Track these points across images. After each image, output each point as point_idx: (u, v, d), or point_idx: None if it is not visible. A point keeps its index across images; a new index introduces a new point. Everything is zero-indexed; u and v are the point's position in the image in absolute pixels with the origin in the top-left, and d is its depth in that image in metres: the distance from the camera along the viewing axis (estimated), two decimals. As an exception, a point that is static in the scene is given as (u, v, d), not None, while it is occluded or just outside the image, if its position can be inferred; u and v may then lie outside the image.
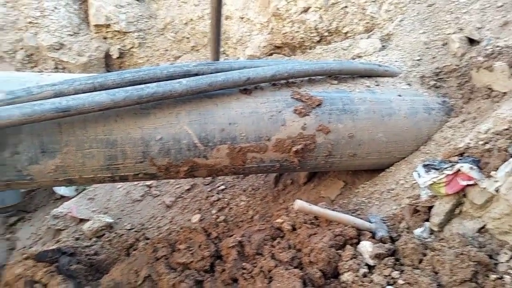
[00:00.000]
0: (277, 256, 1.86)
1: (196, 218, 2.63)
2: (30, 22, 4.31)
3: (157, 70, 1.77)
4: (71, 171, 1.71)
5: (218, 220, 2.56)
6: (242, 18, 3.89)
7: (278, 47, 3.75)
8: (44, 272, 2.02)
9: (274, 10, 3.50)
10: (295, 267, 1.78)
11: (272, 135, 1.95)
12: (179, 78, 1.77)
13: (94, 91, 1.60)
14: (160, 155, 1.80)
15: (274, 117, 1.94)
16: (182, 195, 2.84)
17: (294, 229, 1.97)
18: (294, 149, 1.99)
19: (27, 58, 4.43)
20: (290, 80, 2.06)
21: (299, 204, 1.89)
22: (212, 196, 2.80)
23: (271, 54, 3.75)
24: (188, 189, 2.87)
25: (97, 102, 1.54)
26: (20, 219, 3.45)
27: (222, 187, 2.87)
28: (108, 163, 1.73)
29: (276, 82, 2.03)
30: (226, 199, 2.78)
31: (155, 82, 1.72)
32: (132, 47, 4.53)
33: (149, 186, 2.94)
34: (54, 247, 2.34)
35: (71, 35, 4.39)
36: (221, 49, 3.36)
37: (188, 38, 4.56)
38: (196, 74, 1.82)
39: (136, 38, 4.48)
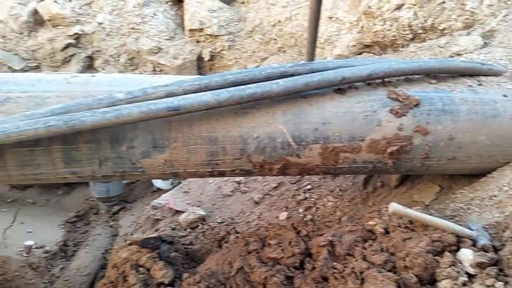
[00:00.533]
0: (369, 258, 1.83)
1: (283, 215, 2.69)
2: (132, 28, 4.72)
3: (256, 72, 1.85)
4: (177, 165, 1.86)
5: (305, 219, 2.59)
6: (331, 17, 3.88)
7: (368, 46, 3.68)
8: (147, 257, 2.22)
9: (365, 8, 3.43)
10: (388, 271, 1.75)
11: (366, 135, 1.93)
12: (276, 79, 1.83)
13: (200, 92, 1.72)
14: (256, 153, 1.88)
15: (369, 117, 1.92)
16: (270, 193, 2.92)
17: (387, 232, 1.93)
18: (389, 150, 1.95)
19: (129, 62, 4.87)
20: (386, 80, 2.02)
21: (394, 206, 1.84)
22: (299, 195, 2.84)
23: (360, 53, 3.68)
24: (275, 187, 2.94)
25: (204, 102, 1.66)
26: (122, 209, 3.81)
27: (309, 186, 2.90)
28: (209, 159, 1.85)
29: (372, 81, 2.00)
30: (312, 199, 2.80)
31: (254, 83, 1.80)
32: (222, 50, 4.75)
33: (239, 183, 3.06)
34: (155, 235, 2.55)
35: (168, 39, 4.73)
36: (310, 50, 3.39)
37: (275, 39, 4.66)
38: (292, 75, 1.87)
39: (226, 41, 4.68)
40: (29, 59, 4.84)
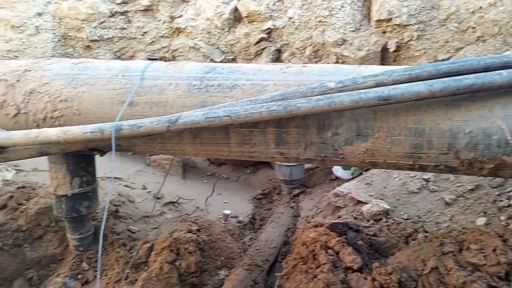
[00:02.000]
0: None
1: (481, 221, 2.44)
2: (319, 21, 4.89)
3: (473, 62, 1.71)
4: (378, 155, 1.87)
5: (509, 227, 2.30)
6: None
7: None
8: (336, 241, 2.31)
9: None
10: None
11: None
12: (497, 70, 1.66)
13: (410, 82, 1.69)
14: (466, 149, 1.75)
15: None
16: (464, 195, 2.68)
17: None
18: None
19: (313, 54, 5.07)
20: None
21: None
22: (501, 201, 2.53)
23: None
24: (472, 189, 2.68)
25: (415, 92, 1.63)
26: (302, 192, 4.04)
27: (513, 193, 2.56)
28: (412, 151, 1.81)
29: None
30: (518, 207, 2.46)
31: (470, 73, 1.67)
32: (410, 40, 4.52)
33: (427, 180, 2.90)
34: (341, 221, 2.64)
35: (353, 31, 4.74)
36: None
37: (473, 28, 4.20)
38: (518, 65, 1.67)
39: (415, 30, 4.43)
40: (227, 52, 5.50)
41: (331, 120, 1.86)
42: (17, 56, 5.52)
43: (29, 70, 2.37)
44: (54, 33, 5.50)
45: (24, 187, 3.30)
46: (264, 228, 3.35)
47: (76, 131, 1.96)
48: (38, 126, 2.31)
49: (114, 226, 2.87)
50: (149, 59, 5.60)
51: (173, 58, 5.72)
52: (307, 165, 4.24)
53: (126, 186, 3.60)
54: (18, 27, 5.41)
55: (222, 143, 2.06)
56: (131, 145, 2.29)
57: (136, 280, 2.42)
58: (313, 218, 3.33)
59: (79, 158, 2.55)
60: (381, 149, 1.85)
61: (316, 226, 2.71)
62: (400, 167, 1.96)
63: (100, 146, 2.33)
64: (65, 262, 2.79)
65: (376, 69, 1.92)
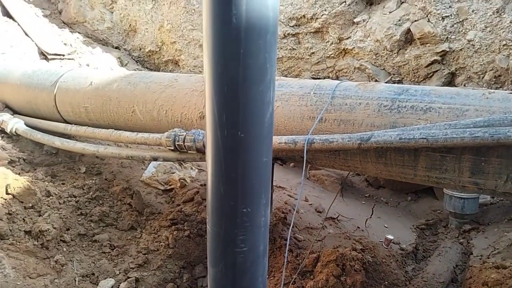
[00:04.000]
0: None
1: None
2: (504, 45, 4.43)
3: None
4: None
5: None
6: None
7: None
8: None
9: None
10: None
11: None
12: None
13: None
14: None
15: None
16: None
17: None
18: None
19: (494, 79, 4.61)
20: None
21: None
22: None
23: None
24: None
25: None
26: (474, 229, 3.67)
27: None
28: None
29: None
30: None
31: None
32: None
33: None
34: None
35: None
36: None
37: None
38: None
39: None
40: (394, 74, 5.40)
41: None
42: (201, 71, 6.40)
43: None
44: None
45: (206, 184, 3.79)
46: (429, 260, 3.15)
47: (273, 141, 2.19)
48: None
49: (282, 232, 3.07)
50: (314, 78, 5.86)
51: (337, 78, 5.87)
52: (481, 200, 3.83)
53: (289, 196, 3.82)
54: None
55: (409, 166, 2.04)
56: (314, 158, 2.44)
57: (303, 287, 2.54)
58: (488, 258, 3.00)
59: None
60: None
61: (497, 268, 2.45)
62: None
63: (284, 156, 2.55)
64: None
65: None
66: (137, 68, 6.42)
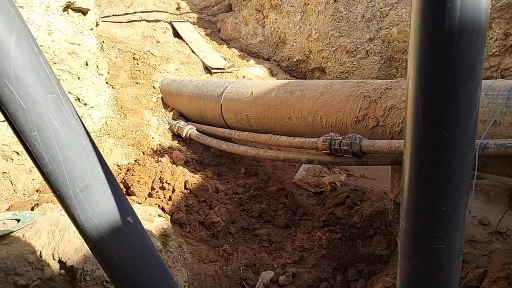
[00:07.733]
0: None
1: None
2: None
3: None
4: None
5: None
6: None
7: None
8: None
9: None
10: None
11: None
12: None
13: None
14: None
15: None
16: None
17: None
18: None
19: None
20: None
21: None
22: None
23: None
24: None
25: None
26: None
27: None
28: None
29: None
30: None
31: None
32: None
33: None
34: None
35: None
36: None
37: None
38: None
39: None
40: None
41: None
42: (347, 77, 6.40)
43: (390, 89, 2.72)
44: (381, 56, 6.06)
45: (356, 189, 3.80)
46: None
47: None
48: (391, 138, 2.62)
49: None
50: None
51: (502, 77, 5.23)
52: None
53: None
54: (352, 51, 6.26)
55: None
56: (484, 164, 2.26)
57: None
58: None
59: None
60: None
61: None
62: None
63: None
64: (391, 265, 3.02)
65: None
66: (286, 77, 6.77)
